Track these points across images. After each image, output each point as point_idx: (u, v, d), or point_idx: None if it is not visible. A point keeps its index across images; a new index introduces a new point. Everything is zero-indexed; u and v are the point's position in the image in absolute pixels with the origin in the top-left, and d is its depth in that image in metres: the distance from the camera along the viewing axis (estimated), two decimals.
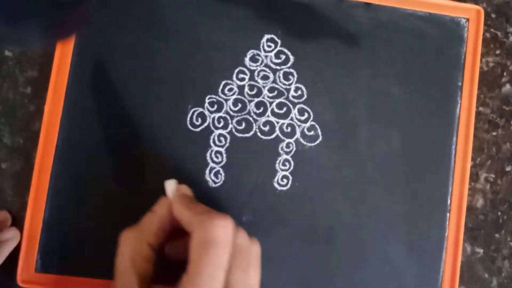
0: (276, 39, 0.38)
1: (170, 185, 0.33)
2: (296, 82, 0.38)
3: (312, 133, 0.38)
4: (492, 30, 0.41)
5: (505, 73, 0.41)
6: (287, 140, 0.38)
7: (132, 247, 0.30)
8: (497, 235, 0.40)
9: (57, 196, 0.36)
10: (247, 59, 0.38)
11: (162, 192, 0.37)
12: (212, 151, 0.37)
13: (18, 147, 0.38)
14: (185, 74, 0.38)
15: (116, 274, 0.30)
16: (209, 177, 0.37)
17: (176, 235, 0.32)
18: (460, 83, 0.39)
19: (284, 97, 0.38)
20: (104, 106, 0.37)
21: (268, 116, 0.38)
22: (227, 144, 0.37)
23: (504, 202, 0.40)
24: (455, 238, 0.38)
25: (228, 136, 0.38)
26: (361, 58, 0.39)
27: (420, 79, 0.39)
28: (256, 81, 0.38)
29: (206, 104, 0.38)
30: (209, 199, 0.37)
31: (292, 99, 0.38)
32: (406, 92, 0.39)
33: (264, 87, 0.38)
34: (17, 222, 0.37)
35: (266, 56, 0.38)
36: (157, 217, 0.31)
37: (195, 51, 0.38)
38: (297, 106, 0.38)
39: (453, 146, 0.39)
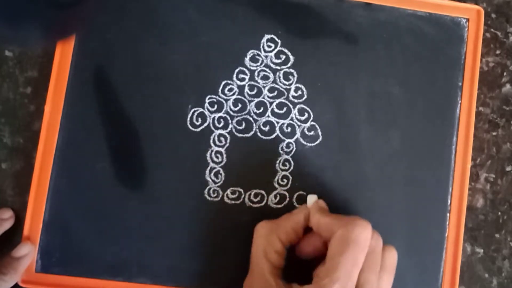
0: (276, 39, 0.38)
1: (312, 198, 0.36)
2: (296, 82, 0.38)
3: (312, 133, 0.38)
4: (492, 30, 0.41)
5: (505, 73, 0.41)
6: (287, 140, 0.38)
7: (266, 238, 0.33)
8: (497, 235, 0.40)
9: (57, 196, 0.36)
10: (247, 59, 0.38)
11: (162, 191, 0.37)
12: (212, 151, 0.37)
13: (18, 147, 0.38)
14: (185, 74, 0.38)
15: (251, 260, 0.34)
16: (209, 177, 0.37)
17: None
18: (460, 83, 0.39)
19: (284, 97, 0.38)
20: (104, 106, 0.37)
21: (268, 116, 0.38)
22: (227, 144, 0.37)
23: (504, 202, 0.40)
24: (455, 238, 0.38)
25: (228, 136, 0.38)
26: (361, 58, 0.39)
27: (420, 79, 0.39)
28: (256, 81, 0.38)
29: (206, 104, 0.38)
30: (209, 199, 0.37)
31: (292, 99, 0.38)
32: (406, 92, 0.39)
33: (264, 87, 0.38)
34: (17, 222, 0.37)
35: (266, 56, 0.38)
36: (293, 218, 0.34)
37: (195, 51, 0.38)
38: (297, 106, 0.38)
39: (453, 146, 0.39)
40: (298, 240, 0.34)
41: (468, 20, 0.40)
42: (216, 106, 0.38)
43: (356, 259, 0.30)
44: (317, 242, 0.33)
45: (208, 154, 0.37)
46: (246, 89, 0.38)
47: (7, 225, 0.36)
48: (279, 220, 0.34)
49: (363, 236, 0.30)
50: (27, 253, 0.35)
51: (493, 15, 0.41)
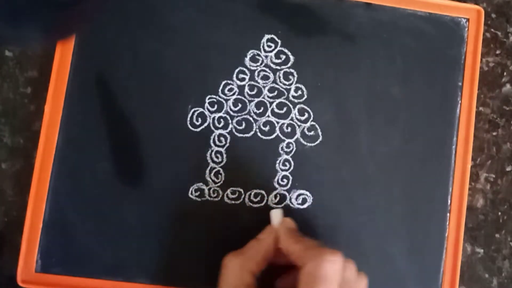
0: (276, 39, 0.38)
1: (277, 216, 0.34)
2: (296, 82, 0.38)
3: (312, 133, 0.38)
4: (492, 30, 0.41)
5: (505, 73, 0.41)
6: (287, 140, 0.38)
7: (236, 274, 0.32)
8: (497, 235, 0.40)
9: (57, 196, 0.36)
10: (247, 59, 0.38)
11: (162, 191, 0.37)
12: (212, 151, 0.37)
13: (18, 147, 0.38)
14: (185, 74, 0.38)
15: None
16: (209, 177, 0.37)
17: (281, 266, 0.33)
18: (460, 83, 0.39)
19: (284, 97, 0.38)
20: (104, 106, 0.37)
21: (268, 116, 0.38)
22: (227, 144, 0.37)
23: (504, 202, 0.40)
24: (455, 238, 0.38)
25: (228, 136, 0.38)
26: (361, 58, 0.39)
27: (420, 79, 0.39)
28: (256, 81, 0.38)
29: (206, 104, 0.38)
30: (209, 199, 0.37)
31: (292, 99, 0.38)
32: (406, 92, 0.39)
33: (264, 87, 0.38)
34: (17, 222, 0.37)
35: (266, 56, 0.38)
36: (262, 246, 0.33)
37: (195, 51, 0.38)
38: (297, 106, 0.38)
39: (453, 146, 0.39)
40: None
41: (468, 20, 0.40)
42: (216, 106, 0.38)
43: None
44: (291, 278, 0.32)
45: (208, 154, 0.37)
46: (246, 89, 0.38)
47: None
48: (247, 250, 0.33)
49: (332, 271, 0.29)
50: None
51: (493, 15, 0.41)
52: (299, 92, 0.38)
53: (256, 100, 0.38)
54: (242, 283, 0.31)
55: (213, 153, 0.37)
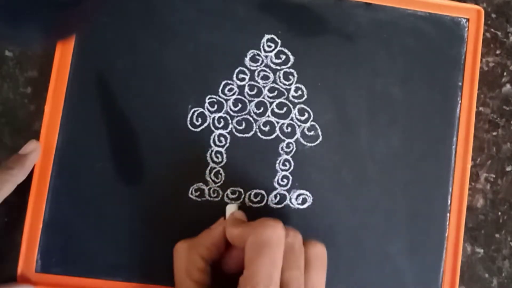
0: (276, 39, 0.38)
1: (230, 208, 0.35)
2: (296, 82, 0.38)
3: (312, 133, 0.38)
4: (492, 30, 0.41)
5: (505, 73, 0.41)
6: (287, 140, 0.38)
7: (186, 257, 0.32)
8: (497, 235, 0.40)
9: (57, 196, 0.36)
10: (247, 59, 0.38)
11: (162, 192, 0.37)
12: (212, 151, 0.37)
13: (18, 147, 0.38)
14: (185, 74, 0.38)
15: (175, 283, 0.33)
16: (209, 177, 0.37)
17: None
18: (460, 83, 0.39)
19: (284, 97, 0.38)
20: (104, 106, 0.37)
21: (268, 116, 0.38)
22: (227, 144, 0.37)
23: (504, 202, 0.40)
24: (455, 238, 0.38)
25: (228, 136, 0.38)
26: (361, 58, 0.39)
27: (420, 79, 0.39)
28: (256, 81, 0.38)
29: (206, 104, 0.38)
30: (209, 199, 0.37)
31: (292, 99, 0.38)
32: (406, 92, 0.39)
33: (264, 87, 0.38)
34: (17, 222, 0.37)
35: (266, 56, 0.38)
36: (211, 233, 0.33)
37: (195, 51, 0.38)
38: (297, 106, 0.38)
39: (453, 146, 0.39)
40: (221, 256, 0.33)
41: (468, 20, 0.40)
42: (216, 106, 0.38)
43: (273, 260, 0.29)
44: (239, 255, 0.32)
45: (208, 154, 0.37)
46: (246, 89, 0.38)
47: (35, 158, 0.36)
48: (197, 237, 0.34)
49: (275, 235, 0.29)
50: (34, 149, 0.35)
51: (493, 15, 0.41)
52: (299, 92, 0.38)
53: (256, 100, 0.38)
54: (193, 265, 0.32)
55: (213, 153, 0.37)
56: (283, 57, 0.38)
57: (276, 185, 0.38)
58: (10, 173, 0.34)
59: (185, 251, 0.33)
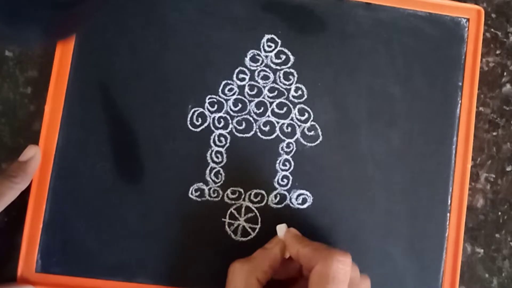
0: (277, 39, 0.38)
1: (281, 229, 0.35)
2: (296, 82, 0.38)
3: (312, 133, 0.38)
4: (492, 30, 0.41)
5: (505, 73, 0.41)
6: (287, 140, 0.38)
7: (243, 280, 0.32)
8: (497, 235, 0.40)
9: (57, 196, 0.36)
10: (247, 59, 0.38)
11: (162, 192, 0.37)
12: (212, 151, 0.37)
13: (18, 147, 0.38)
14: (185, 74, 0.38)
15: None
16: (209, 177, 0.37)
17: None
18: (460, 83, 0.39)
19: (284, 97, 0.38)
20: (104, 106, 0.37)
21: (268, 116, 0.38)
22: (227, 144, 0.37)
23: (504, 202, 0.40)
24: (455, 238, 0.38)
25: (228, 136, 0.38)
26: (361, 58, 0.39)
27: (420, 79, 0.39)
28: (257, 81, 0.38)
29: (206, 104, 0.38)
30: (209, 199, 0.37)
31: (292, 99, 0.38)
32: (406, 92, 0.39)
33: (264, 87, 0.38)
34: (17, 222, 0.37)
35: (266, 56, 0.38)
36: (270, 255, 0.33)
37: (195, 51, 0.38)
38: (297, 106, 0.38)
39: (453, 146, 0.39)
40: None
41: (468, 20, 0.40)
42: (216, 106, 0.38)
43: None
44: (293, 266, 0.34)
45: (208, 154, 0.37)
46: (246, 89, 0.38)
47: (35, 164, 0.35)
48: (254, 258, 0.33)
49: (343, 271, 0.30)
50: (33, 155, 0.35)
51: (493, 15, 0.41)
52: (299, 92, 0.38)
53: (256, 100, 0.38)
54: None
55: (213, 153, 0.37)
56: (283, 57, 0.38)
57: (276, 185, 0.38)
58: (13, 181, 0.34)
59: (244, 274, 0.32)
